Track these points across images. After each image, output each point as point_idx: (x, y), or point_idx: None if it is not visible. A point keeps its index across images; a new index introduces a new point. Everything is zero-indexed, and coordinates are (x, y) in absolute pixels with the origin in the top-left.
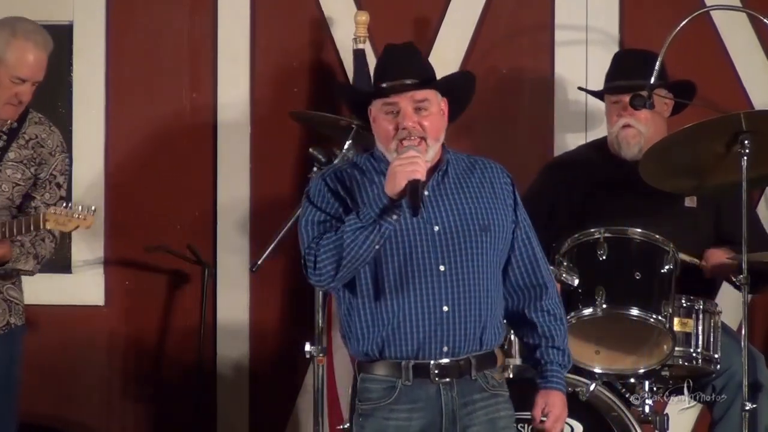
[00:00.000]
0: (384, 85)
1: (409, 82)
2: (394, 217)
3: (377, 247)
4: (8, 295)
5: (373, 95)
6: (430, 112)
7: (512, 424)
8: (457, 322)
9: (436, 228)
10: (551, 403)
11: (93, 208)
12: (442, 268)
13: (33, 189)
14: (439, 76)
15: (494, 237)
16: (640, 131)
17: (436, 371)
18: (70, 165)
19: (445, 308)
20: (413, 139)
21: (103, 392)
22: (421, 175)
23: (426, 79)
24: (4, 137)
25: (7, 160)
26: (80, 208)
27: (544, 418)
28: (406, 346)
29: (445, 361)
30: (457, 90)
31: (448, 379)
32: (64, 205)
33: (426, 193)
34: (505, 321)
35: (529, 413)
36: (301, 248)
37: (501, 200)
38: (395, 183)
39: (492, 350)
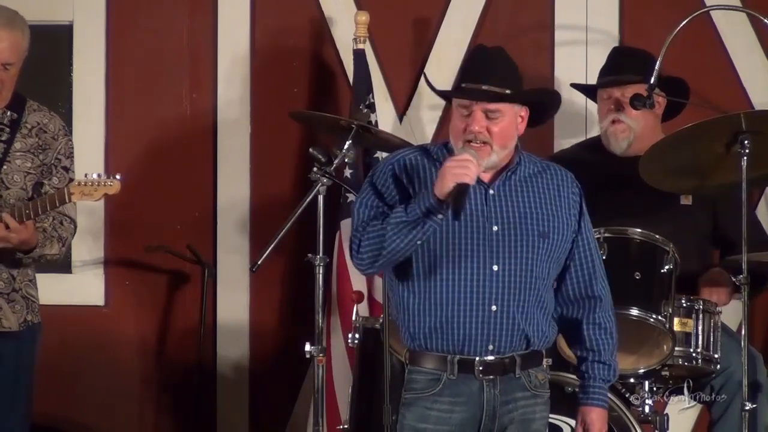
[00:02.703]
0: (463, 85)
1: (485, 87)
2: (440, 216)
3: (419, 242)
4: (26, 293)
5: (452, 93)
6: (501, 120)
7: (545, 427)
8: (504, 322)
9: (495, 228)
10: (590, 421)
11: (117, 176)
12: (495, 267)
13: (41, 176)
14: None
15: (552, 245)
16: (629, 126)
17: (481, 368)
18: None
19: (494, 308)
20: (477, 144)
21: (103, 392)
22: (470, 180)
23: (501, 93)
24: (7, 129)
25: (14, 150)
26: (104, 176)
27: None
28: (453, 340)
29: (490, 358)
30: (537, 105)
31: (491, 376)
32: (85, 175)
33: (491, 192)
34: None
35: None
36: (352, 228)
37: (565, 208)
38: (443, 183)
39: (539, 350)
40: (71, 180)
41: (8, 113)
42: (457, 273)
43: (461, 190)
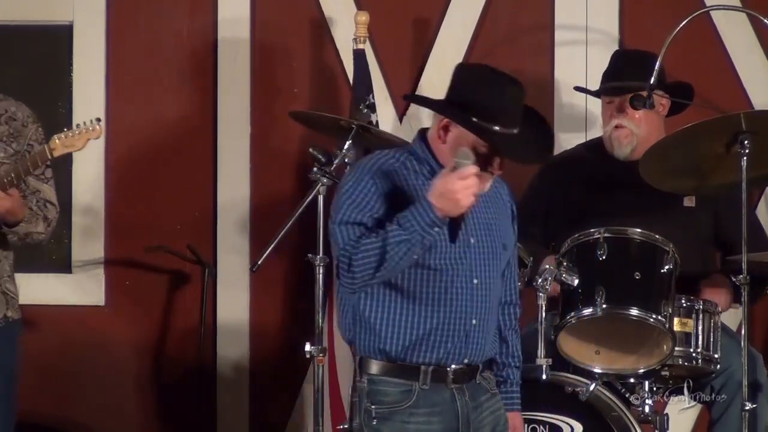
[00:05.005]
0: (497, 128)
1: (515, 131)
2: (436, 229)
3: (416, 257)
4: (5, 288)
5: (479, 129)
6: None
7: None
8: (480, 334)
9: (472, 240)
10: (517, 424)
11: (98, 118)
12: (475, 281)
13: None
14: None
15: (508, 255)
16: (632, 131)
17: (452, 377)
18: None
19: (474, 321)
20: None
21: (103, 392)
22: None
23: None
24: None
25: None
26: (84, 123)
27: None
28: (432, 353)
29: (462, 367)
30: None
31: (459, 384)
32: (65, 129)
33: None
34: None
35: (526, 413)
36: (334, 247)
37: (510, 219)
38: (453, 207)
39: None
40: (47, 167)
41: None
42: (440, 286)
43: (463, 214)
